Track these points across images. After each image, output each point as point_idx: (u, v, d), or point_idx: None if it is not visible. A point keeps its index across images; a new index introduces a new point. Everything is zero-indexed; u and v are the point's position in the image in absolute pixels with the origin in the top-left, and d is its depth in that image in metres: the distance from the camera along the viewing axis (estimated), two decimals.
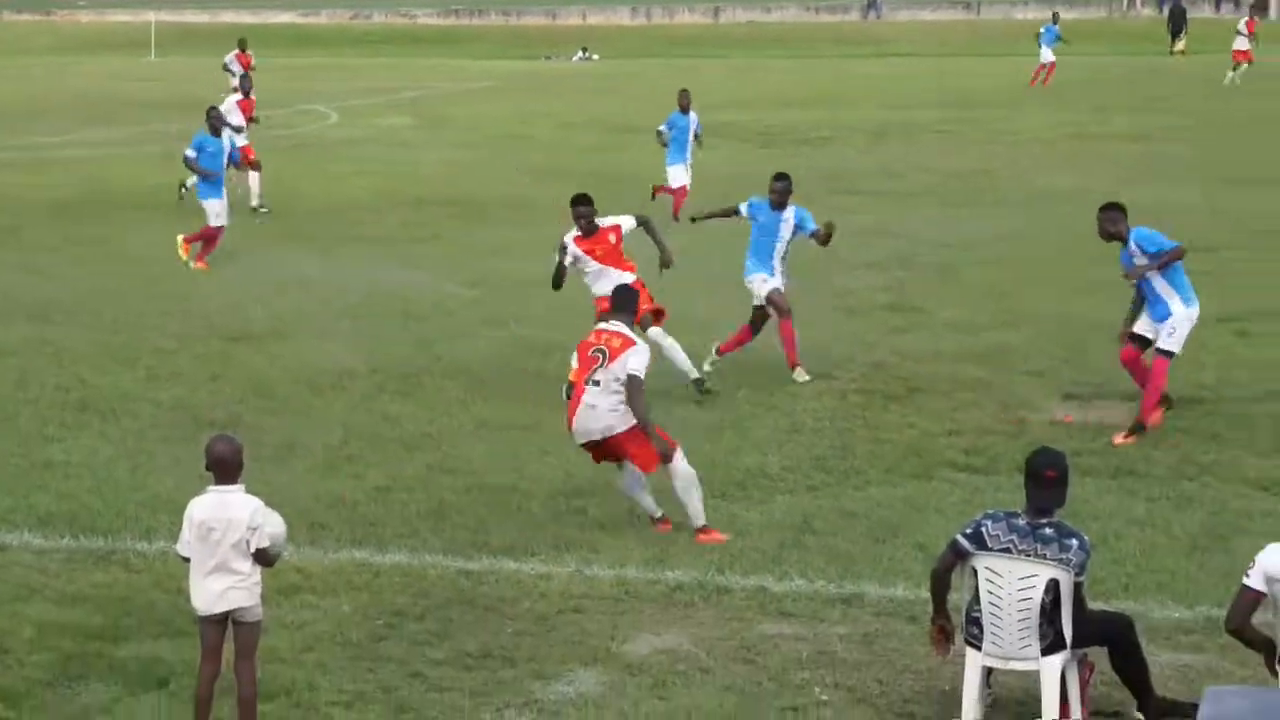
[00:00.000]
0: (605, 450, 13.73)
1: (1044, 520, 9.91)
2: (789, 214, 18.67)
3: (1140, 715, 10.17)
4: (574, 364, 13.96)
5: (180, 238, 25.79)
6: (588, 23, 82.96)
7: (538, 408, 17.14)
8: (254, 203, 31.29)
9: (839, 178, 34.18)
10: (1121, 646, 10.16)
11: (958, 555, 9.99)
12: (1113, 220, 16.11)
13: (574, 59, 72.02)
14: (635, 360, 13.54)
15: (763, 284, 18.64)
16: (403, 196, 32.83)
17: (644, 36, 76.83)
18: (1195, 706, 9.07)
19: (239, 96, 33.95)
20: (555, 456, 15.55)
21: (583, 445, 13.79)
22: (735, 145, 37.49)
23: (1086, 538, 9.98)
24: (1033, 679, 9.97)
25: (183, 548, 9.91)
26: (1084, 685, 10.14)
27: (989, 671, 10.09)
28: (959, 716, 9.93)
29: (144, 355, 19.75)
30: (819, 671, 10.90)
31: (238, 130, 31.71)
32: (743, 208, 19.05)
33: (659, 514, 13.72)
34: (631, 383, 13.47)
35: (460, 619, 11.88)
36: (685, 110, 30.05)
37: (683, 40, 77.18)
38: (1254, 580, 9.30)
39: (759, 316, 18.76)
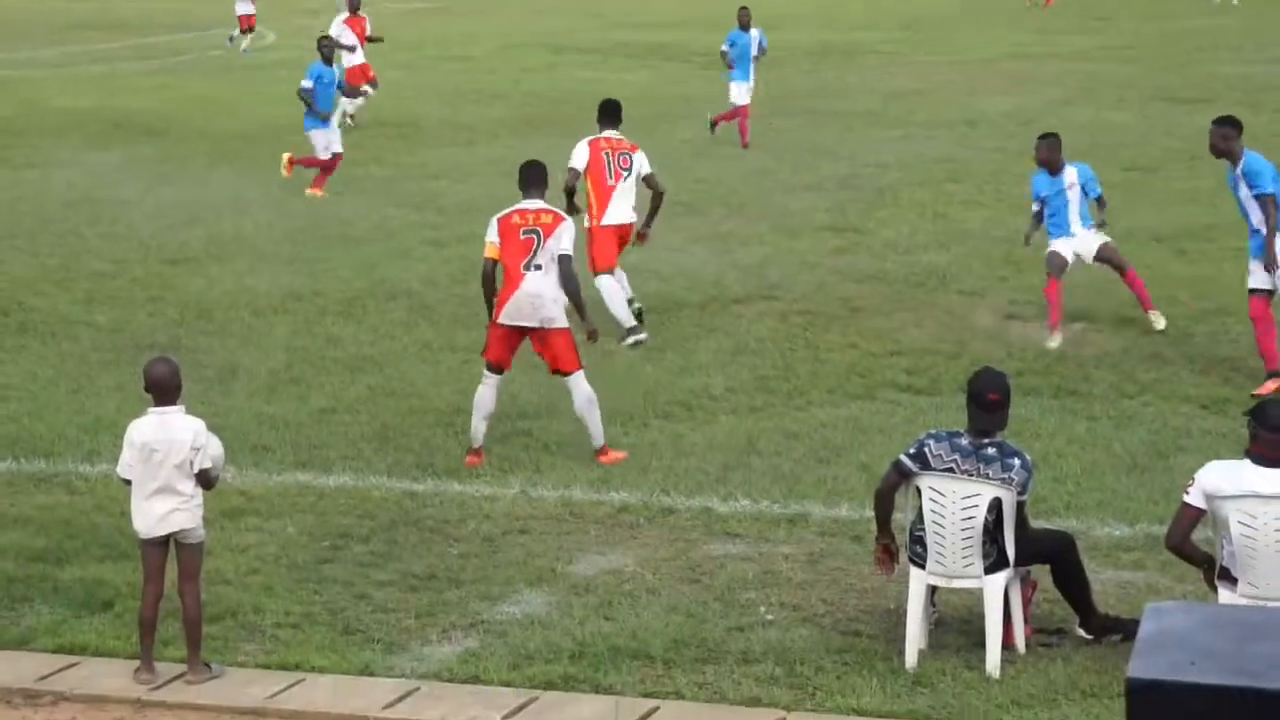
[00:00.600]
0: (531, 340, 13.50)
1: (986, 440, 9.96)
2: None
3: (1082, 632, 10.26)
4: (493, 239, 13.49)
5: (286, 156, 25.47)
6: None
7: (481, 330, 17.10)
8: (350, 110, 31.20)
9: (781, 99, 34.12)
10: (1063, 564, 10.24)
11: (901, 475, 10.04)
12: (1224, 136, 15.04)
13: None
14: (569, 238, 13.41)
15: None
16: (343, 118, 32.58)
17: None
18: (1136, 623, 9.13)
19: (345, 14, 33.16)
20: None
21: (508, 329, 13.45)
22: (679, 66, 37.39)
23: (1029, 457, 10.04)
24: (976, 597, 10.05)
25: (123, 470, 9.87)
26: (1027, 603, 10.22)
27: (933, 590, 10.16)
28: (904, 634, 10.00)
29: (81, 278, 19.63)
30: (765, 591, 10.96)
31: (350, 50, 31.65)
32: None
33: (601, 444, 13.64)
34: (565, 262, 13.37)
35: (405, 540, 11.90)
36: (746, 27, 29.45)
37: None
38: (1193, 498, 9.38)
39: None
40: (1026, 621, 10.18)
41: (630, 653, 10.05)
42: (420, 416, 14.61)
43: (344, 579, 11.25)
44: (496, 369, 13.63)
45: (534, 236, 13.41)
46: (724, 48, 29.94)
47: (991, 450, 9.91)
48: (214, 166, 27.17)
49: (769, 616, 10.59)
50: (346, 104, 30.89)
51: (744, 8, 29.57)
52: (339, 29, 32.16)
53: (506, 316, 13.48)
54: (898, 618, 10.27)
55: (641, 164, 17.42)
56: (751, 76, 29.56)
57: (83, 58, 42.88)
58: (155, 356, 10.17)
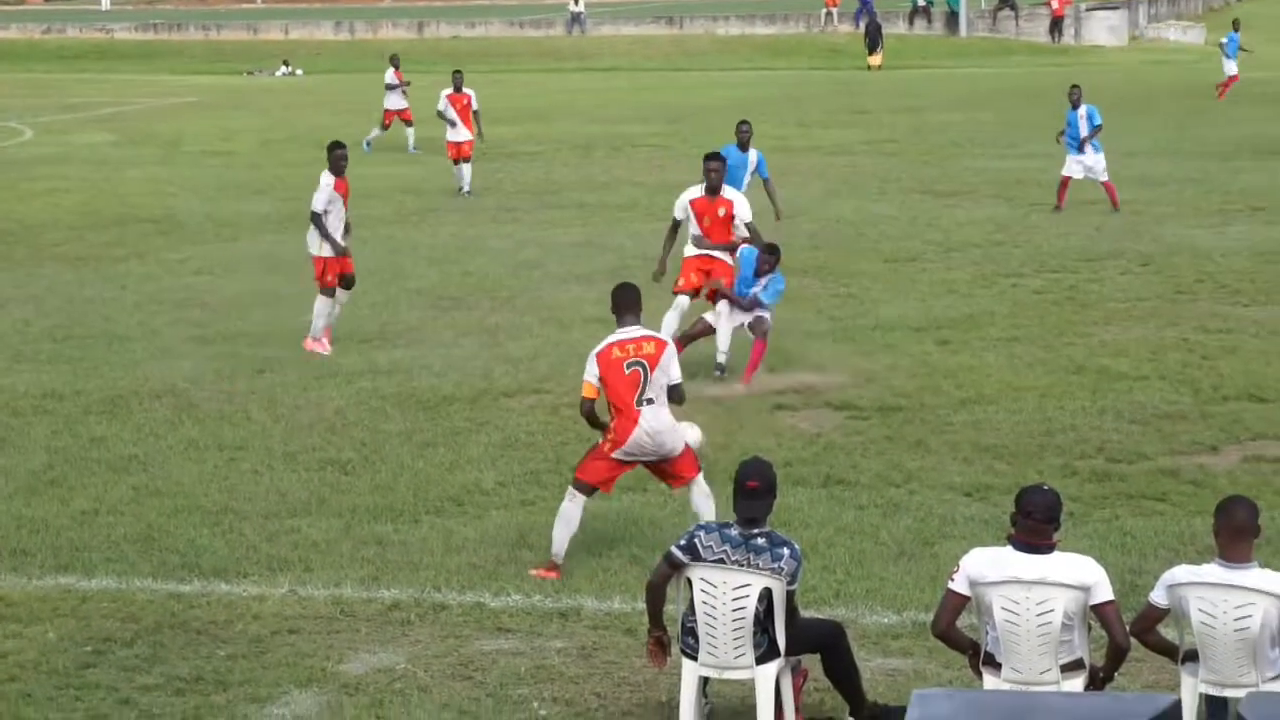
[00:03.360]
0: (648, 466, 13.04)
1: (755, 530, 10.03)
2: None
3: None
4: (593, 379, 12.68)
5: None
6: (290, 37, 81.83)
7: (248, 427, 16.91)
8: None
9: (547, 192, 34.29)
10: (834, 653, 10.33)
11: (672, 567, 10.07)
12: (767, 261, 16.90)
13: (277, 73, 71.10)
14: (676, 365, 12.86)
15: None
16: (103, 215, 32.12)
17: (349, 50, 76.16)
18: (903, 710, 9.25)
19: (450, 90, 35.46)
20: (266, 476, 15.36)
21: (624, 462, 12.87)
22: (442, 160, 37.30)
23: (798, 546, 10.13)
24: (748, 687, 10.09)
25: None
26: (797, 692, 10.30)
27: (705, 681, 10.19)
28: None
29: None
30: (538, 686, 10.91)
31: (452, 125, 34.79)
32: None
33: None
34: (675, 392, 12.82)
35: (171, 643, 11.67)
36: (745, 147, 24.04)
37: (387, 54, 77.07)
38: (958, 584, 9.52)
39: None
40: (798, 710, 10.24)
41: None
42: (186, 516, 14.36)
43: (107, 684, 11.00)
44: (589, 492, 12.96)
45: (640, 369, 12.64)
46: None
47: (761, 540, 9.98)
48: None
49: (542, 712, 10.54)
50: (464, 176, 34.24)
51: (744, 122, 24.80)
52: (444, 104, 35.16)
53: (626, 454, 12.82)
54: (671, 711, 10.28)
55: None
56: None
57: None
58: None
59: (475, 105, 35.61)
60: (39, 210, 32.81)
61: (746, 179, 23.82)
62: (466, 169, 34.75)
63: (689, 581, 10.03)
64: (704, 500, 13.06)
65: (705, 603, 9.95)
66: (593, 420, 12.86)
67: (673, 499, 14.74)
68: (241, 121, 50.51)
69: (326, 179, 20.48)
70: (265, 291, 24.13)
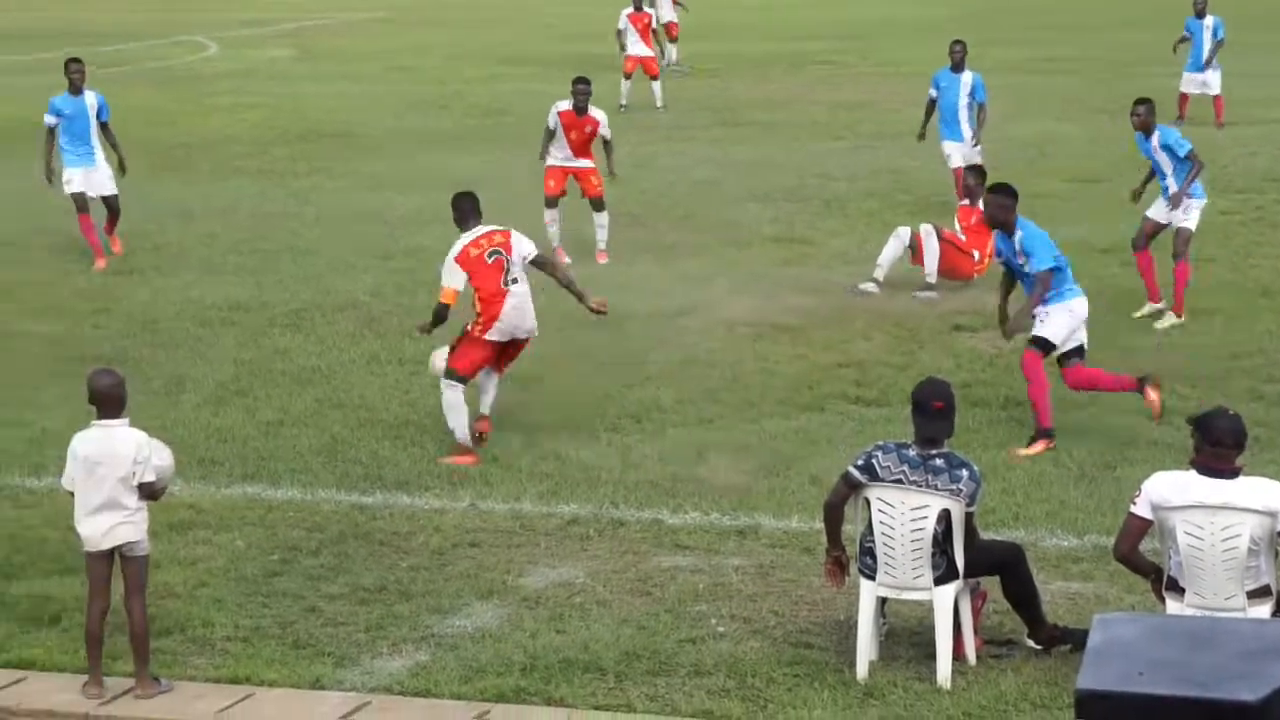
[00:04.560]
0: (504, 351, 14.24)
1: (934, 451, 10.00)
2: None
3: (1031, 643, 10.31)
4: (453, 283, 13.98)
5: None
6: None
7: (428, 342, 17.10)
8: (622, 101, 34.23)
9: (725, 110, 34.18)
10: (1013, 576, 10.28)
11: (850, 487, 10.07)
12: (1002, 206, 14.23)
13: None
14: (527, 242, 14.22)
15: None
16: (287, 129, 32.52)
17: None
18: (1085, 634, 9.19)
19: (630, 9, 35.75)
20: None
21: (496, 344, 14.12)
22: (618, 78, 37.24)
23: (977, 468, 10.09)
24: (926, 608, 10.09)
25: (67, 483, 9.84)
26: (976, 614, 10.27)
27: (883, 601, 10.20)
28: (854, 646, 10.03)
29: (23, 289, 19.53)
30: (715, 603, 10.98)
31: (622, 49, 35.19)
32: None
33: (487, 411, 14.27)
34: (541, 259, 14.27)
35: (355, 553, 11.87)
36: (959, 67, 23.25)
37: None
38: (1140, 508, 9.43)
39: None
40: (976, 633, 10.22)
41: (582, 665, 10.05)
42: (368, 429, 14.58)
43: (294, 592, 11.21)
44: (463, 380, 13.95)
45: (500, 255, 14.03)
46: (931, 93, 23.75)
47: (940, 461, 9.95)
48: (156, 177, 27.00)
49: (720, 629, 10.60)
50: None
51: (957, 42, 23.39)
52: (624, 23, 35.39)
53: (498, 333, 14.01)
54: (848, 629, 10.30)
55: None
56: (967, 132, 23.42)
57: (16, 67, 42.63)
58: (99, 368, 10.13)
59: (654, 25, 35.65)
60: (224, 125, 33.27)
61: (962, 102, 23.13)
62: (656, 86, 34.75)
63: (866, 501, 10.02)
64: (490, 383, 14.33)
65: (883, 523, 9.95)
66: (438, 321, 14.08)
67: (849, 418, 14.72)
68: (426, 37, 50.80)
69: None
70: (446, 207, 24.27)
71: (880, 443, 10.26)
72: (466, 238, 14.14)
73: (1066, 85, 36.78)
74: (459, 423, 13.85)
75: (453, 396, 13.90)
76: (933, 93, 23.52)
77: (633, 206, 23.94)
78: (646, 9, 35.81)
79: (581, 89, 20.75)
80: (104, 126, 20.93)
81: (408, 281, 19.57)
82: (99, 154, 20.89)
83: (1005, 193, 14.26)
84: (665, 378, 15.99)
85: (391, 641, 10.47)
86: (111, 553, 9.75)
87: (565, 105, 20.91)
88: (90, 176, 20.82)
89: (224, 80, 40.64)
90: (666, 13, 40.91)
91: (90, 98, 20.83)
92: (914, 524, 9.89)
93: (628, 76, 35.04)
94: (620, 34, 35.66)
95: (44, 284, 19.80)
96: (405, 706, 9.67)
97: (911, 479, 9.92)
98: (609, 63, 36.38)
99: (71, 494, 9.81)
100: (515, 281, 14.02)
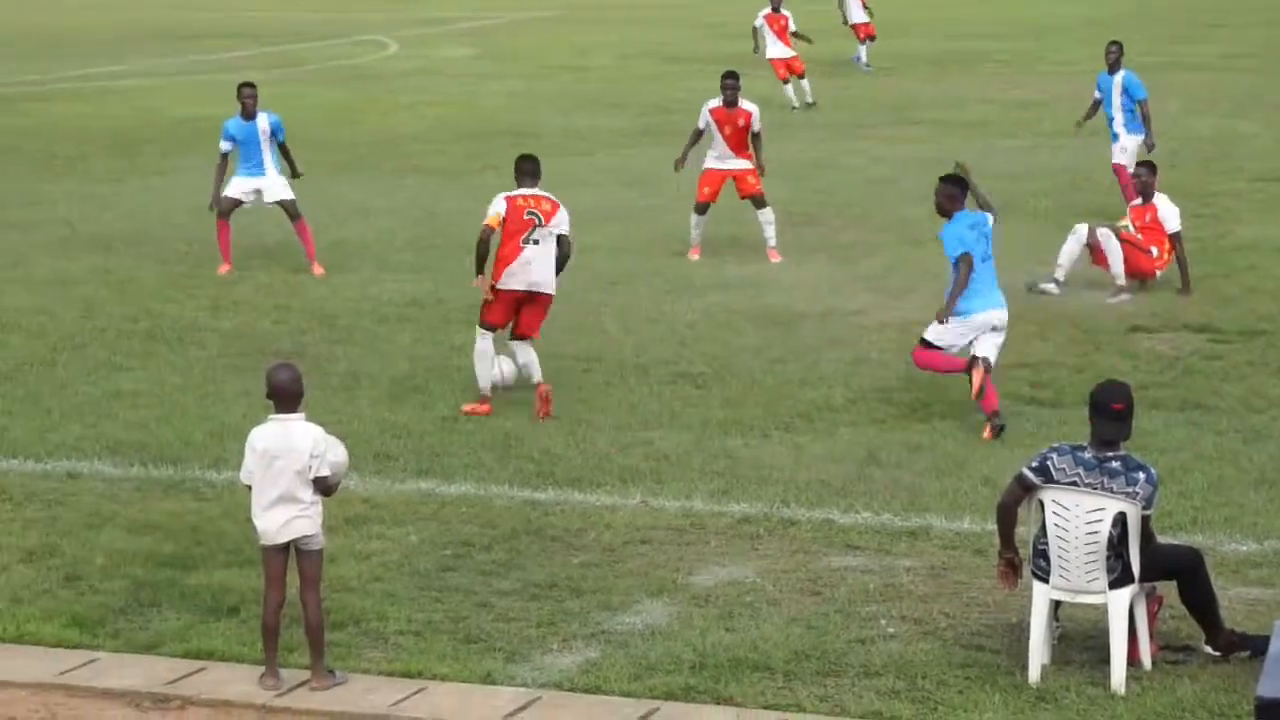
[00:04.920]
0: (523, 308, 15.15)
1: (1110, 453, 9.88)
2: None
3: (1209, 649, 10.15)
4: (495, 209, 15.17)
5: None
6: None
7: (601, 339, 17.17)
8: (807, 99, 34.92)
9: (901, 108, 33.98)
10: (1190, 580, 10.13)
11: (1024, 489, 9.98)
12: (949, 196, 14.67)
13: None
14: (566, 222, 15.22)
15: None
16: (463, 128, 32.80)
17: None
18: (1265, 640, 9.06)
19: (768, 10, 35.89)
20: (619, 388, 15.59)
21: (508, 297, 15.08)
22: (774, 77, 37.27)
23: (1154, 470, 9.95)
24: (1101, 612, 9.96)
25: (245, 476, 9.96)
26: (1152, 619, 10.12)
27: (1056, 605, 10.09)
28: (1027, 649, 9.92)
29: (207, 285, 19.85)
30: (886, 604, 10.91)
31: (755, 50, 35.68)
32: None
33: (539, 378, 15.08)
34: (565, 241, 15.23)
35: (527, 549, 11.94)
36: (1114, 68, 22.89)
37: None
38: None
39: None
40: (1152, 638, 10.08)
41: (751, 664, 10.04)
42: (541, 425, 14.66)
43: (466, 587, 11.30)
44: (492, 329, 15.26)
45: (535, 218, 15.07)
46: (1095, 94, 23.47)
47: (1116, 464, 9.83)
48: (336, 175, 27.37)
49: (890, 630, 10.54)
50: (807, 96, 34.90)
51: (1113, 43, 23.19)
52: (760, 22, 35.60)
53: (505, 283, 15.09)
54: (1021, 632, 10.20)
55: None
56: (1125, 133, 22.92)
57: (203, 66, 43.38)
58: (278, 363, 10.25)
59: (793, 26, 35.39)
60: (403, 123, 33.64)
61: (1117, 103, 22.80)
62: (805, 83, 34.62)
63: (1040, 504, 9.92)
64: (526, 354, 15.16)
65: (1057, 525, 9.84)
66: (481, 254, 15.11)
67: (1025, 419, 14.57)
68: (596, 36, 51.04)
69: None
70: (619, 205, 24.42)
71: (1055, 444, 10.15)
72: (521, 190, 15.25)
73: (1247, 83, 36.16)
74: (483, 371, 15.06)
75: (483, 345, 15.10)
76: (1096, 94, 23.23)
77: (807, 205, 23.87)
78: (784, 11, 35.48)
79: (730, 83, 20.71)
80: (281, 146, 20.65)
81: (581, 278, 19.64)
82: (270, 167, 20.74)
83: (953, 183, 14.78)
84: (837, 377, 15.92)
85: (562, 638, 10.51)
86: (287, 546, 9.87)
87: (715, 102, 20.90)
88: (261, 186, 20.76)
89: (404, 79, 41.09)
90: (856, 14, 40.71)
91: (263, 121, 20.48)
92: (1089, 527, 9.77)
93: (785, 81, 34.85)
94: (756, 32, 35.51)
95: (225, 280, 20.10)
96: (575, 703, 9.71)
97: (1087, 481, 9.80)
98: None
99: (249, 487, 9.94)
100: (536, 243, 14.97)
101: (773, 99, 33.78)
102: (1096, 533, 9.76)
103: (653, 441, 14.19)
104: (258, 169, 20.63)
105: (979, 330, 14.52)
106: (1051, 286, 18.79)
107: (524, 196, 15.20)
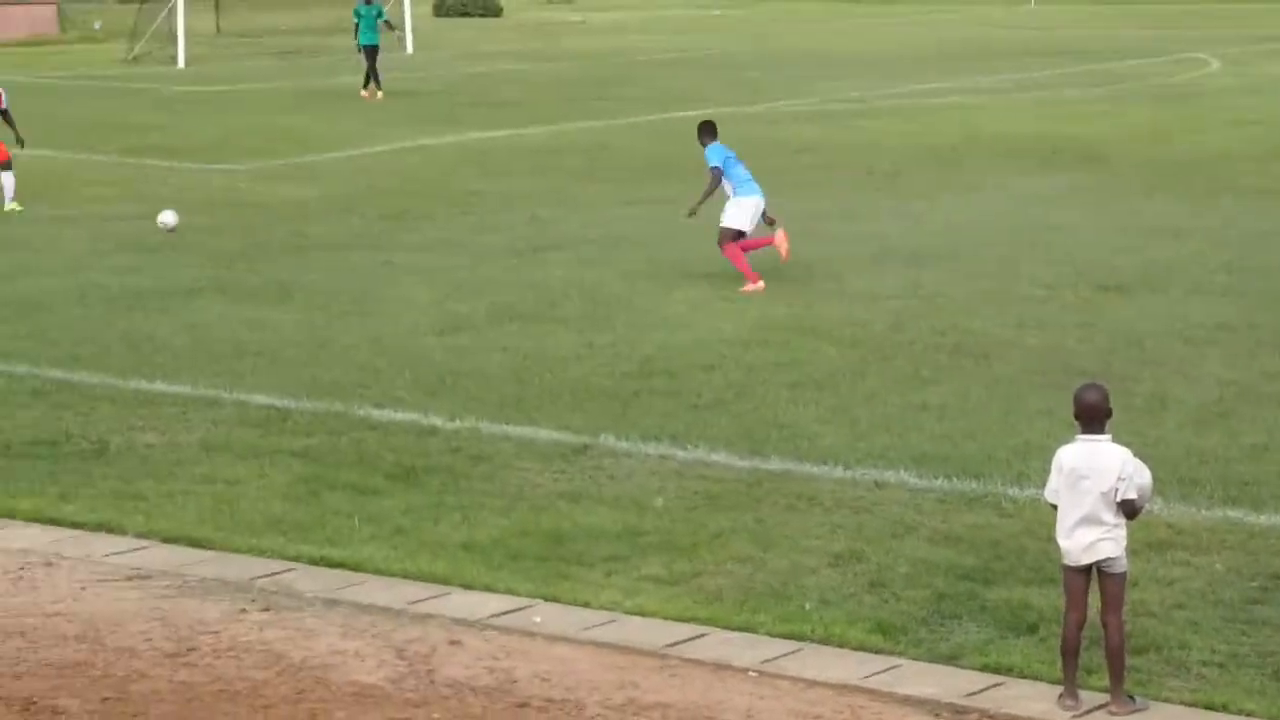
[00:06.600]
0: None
1: None
2: None
3: None
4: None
5: None
6: None
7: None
8: None
9: None
10: None
11: None
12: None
13: None
14: None
15: None
16: None
17: None
18: None
19: None
20: None
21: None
22: None
23: None
24: None
25: (1050, 495, 9.95)
26: None
27: None
28: None
29: (1014, 302, 19.93)
30: None
31: None
32: None
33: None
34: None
35: None
36: None
37: None
38: None
39: None
40: None
41: None
42: None
43: (1274, 621, 10.90)
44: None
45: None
46: None
47: None
48: (1152, 195, 27.00)
49: None
50: None
51: None
52: None
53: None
54: None
55: None
56: None
57: (1021, 84, 43.59)
58: (1086, 383, 10.18)
59: None
60: (1221, 141, 32.85)
61: None
62: None
63: None
64: None
65: None
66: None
67: None
68: None
69: None
70: None
71: None
72: None
73: None
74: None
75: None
76: None
77: None
78: None
79: None
80: None
81: None
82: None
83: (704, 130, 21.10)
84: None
85: None
86: (1090, 567, 9.81)
87: None
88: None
89: (1222, 96, 40.12)
90: None
91: None
92: None
93: None
94: None
95: (1031, 297, 20.11)
96: None
97: None
98: None
99: (1054, 506, 9.93)
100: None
101: None
102: None
103: None
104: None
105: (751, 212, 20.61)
106: None
107: None
